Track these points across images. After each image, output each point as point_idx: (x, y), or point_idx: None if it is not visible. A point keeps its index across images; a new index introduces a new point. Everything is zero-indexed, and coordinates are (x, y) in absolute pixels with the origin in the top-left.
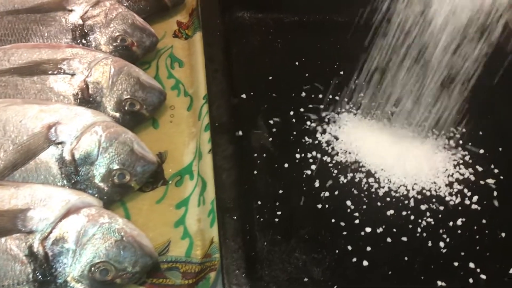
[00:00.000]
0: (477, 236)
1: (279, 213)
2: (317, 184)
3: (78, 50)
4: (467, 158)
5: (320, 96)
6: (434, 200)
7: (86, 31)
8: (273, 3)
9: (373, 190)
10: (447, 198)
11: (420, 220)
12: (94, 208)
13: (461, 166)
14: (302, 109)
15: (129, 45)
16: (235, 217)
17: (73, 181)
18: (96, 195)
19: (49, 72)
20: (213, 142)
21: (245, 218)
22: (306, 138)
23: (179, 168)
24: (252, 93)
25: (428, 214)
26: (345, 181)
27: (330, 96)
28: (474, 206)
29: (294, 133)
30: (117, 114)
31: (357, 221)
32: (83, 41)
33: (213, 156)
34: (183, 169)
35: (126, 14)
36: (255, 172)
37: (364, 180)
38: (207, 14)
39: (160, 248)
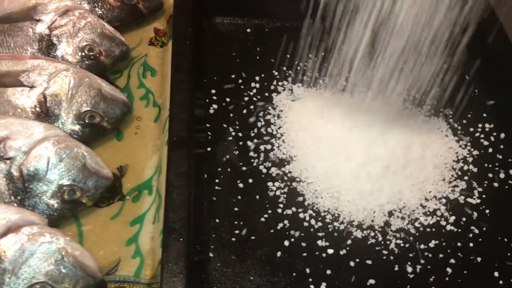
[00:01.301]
0: (451, 261)
1: (237, 232)
2: (281, 201)
3: (40, 61)
4: (448, 174)
5: None
6: (406, 219)
7: (53, 41)
8: (254, 8)
9: (341, 208)
10: (421, 218)
11: (388, 242)
12: (36, 227)
13: (441, 183)
14: None
15: (97, 55)
16: (182, 239)
17: (20, 198)
18: (46, 211)
19: (8, 85)
20: (168, 158)
21: (198, 238)
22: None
23: (139, 183)
24: (223, 104)
25: (398, 235)
26: (312, 198)
27: None
28: (450, 227)
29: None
30: (77, 127)
31: (319, 242)
32: (50, 51)
33: (166, 173)
34: (142, 184)
35: (95, 23)
36: (217, 188)
37: (333, 197)
38: (179, 21)
39: (109, 267)
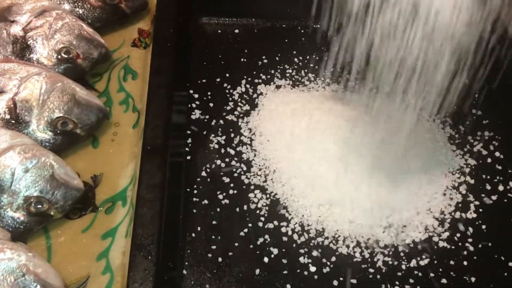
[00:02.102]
0: (442, 280)
1: (214, 247)
2: (263, 213)
3: (11, 65)
4: (442, 185)
5: None
6: (396, 235)
7: (27, 43)
8: (243, 8)
9: (327, 222)
10: (412, 234)
11: (375, 259)
12: None
13: (434, 195)
14: None
15: (74, 58)
16: (150, 257)
17: None
18: (11, 225)
19: None
20: (141, 168)
21: (171, 254)
22: None
23: (113, 194)
24: (206, 109)
25: (386, 252)
26: (295, 211)
27: None
28: (442, 244)
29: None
30: (48, 135)
31: (301, 259)
32: (24, 54)
33: (138, 184)
34: (116, 195)
35: (73, 24)
36: (195, 199)
37: (318, 210)
38: (161, 22)
39: (78, 284)
